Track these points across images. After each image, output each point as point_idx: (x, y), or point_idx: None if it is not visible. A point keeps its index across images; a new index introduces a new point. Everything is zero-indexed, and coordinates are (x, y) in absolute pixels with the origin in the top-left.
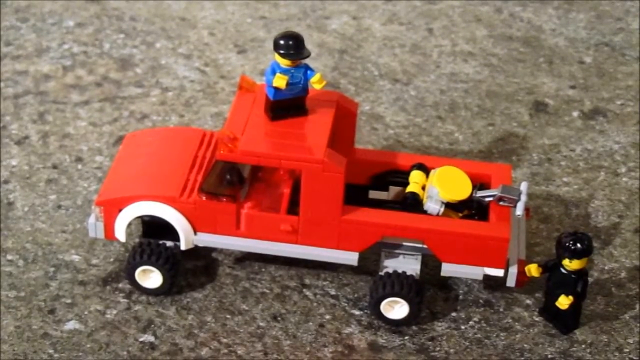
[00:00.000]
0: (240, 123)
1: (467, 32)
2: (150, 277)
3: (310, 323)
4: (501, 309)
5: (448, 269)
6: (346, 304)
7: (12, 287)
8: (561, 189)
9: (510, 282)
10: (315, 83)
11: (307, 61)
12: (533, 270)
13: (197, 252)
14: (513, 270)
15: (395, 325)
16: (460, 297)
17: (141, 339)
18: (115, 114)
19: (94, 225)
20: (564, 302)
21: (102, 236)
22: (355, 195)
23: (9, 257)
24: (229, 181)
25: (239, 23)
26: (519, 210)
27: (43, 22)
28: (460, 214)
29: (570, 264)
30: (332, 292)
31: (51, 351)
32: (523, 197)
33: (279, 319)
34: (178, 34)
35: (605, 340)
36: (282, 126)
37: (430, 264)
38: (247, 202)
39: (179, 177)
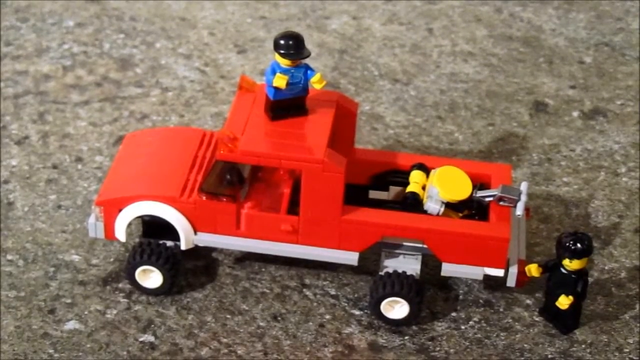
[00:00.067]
0: (240, 123)
1: (467, 32)
2: (151, 277)
3: (310, 323)
4: (501, 309)
5: (448, 269)
6: (346, 304)
7: (12, 287)
8: (561, 189)
9: (510, 282)
10: (316, 83)
11: (307, 61)
12: (533, 270)
13: (197, 252)
14: (513, 270)
15: (396, 325)
16: (460, 297)
17: (141, 339)
18: (115, 114)
19: (94, 225)
20: (564, 302)
21: (102, 236)
22: (355, 195)
23: (9, 257)
24: (229, 181)
25: (239, 23)
26: (519, 210)
27: (43, 22)
28: (460, 214)
29: (571, 264)
30: (332, 292)
31: (51, 351)
32: (523, 197)
33: (279, 319)
34: (178, 34)
35: (605, 340)
36: (282, 126)
37: (430, 264)
38: (247, 202)
39: (179, 177)
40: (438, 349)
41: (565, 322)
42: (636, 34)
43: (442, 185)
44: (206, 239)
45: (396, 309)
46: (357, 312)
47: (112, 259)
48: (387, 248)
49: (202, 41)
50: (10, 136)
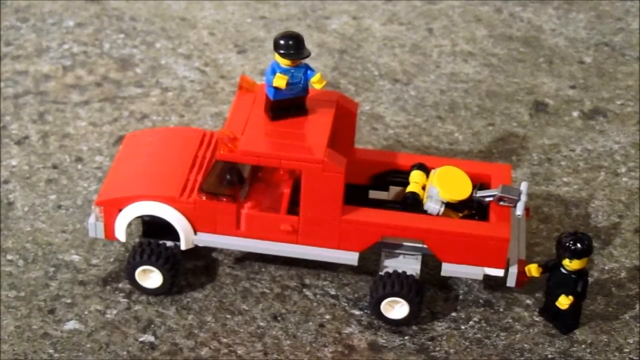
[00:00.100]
0: (240, 123)
1: (467, 32)
2: (150, 277)
3: (310, 323)
4: (501, 309)
5: (448, 269)
6: (346, 304)
7: (12, 287)
8: (561, 189)
9: (510, 282)
10: (315, 83)
11: (307, 61)
12: (533, 270)
13: (197, 252)
14: (513, 270)
15: (395, 325)
16: (460, 297)
17: (141, 339)
18: (115, 114)
19: (94, 225)
20: (564, 302)
21: (102, 236)
22: (355, 195)
23: (9, 257)
24: (229, 181)
25: (239, 23)
26: (519, 210)
27: (43, 22)
28: (460, 214)
29: (571, 264)
30: (332, 292)
31: (51, 351)
32: (523, 197)
33: (279, 319)
34: (178, 34)
35: (605, 340)
36: (282, 126)
37: (430, 264)
38: (247, 202)
39: (179, 177)
40: (438, 349)
41: (565, 322)
42: (636, 34)
43: (442, 185)
44: (206, 239)
45: (396, 309)
46: (357, 312)
47: (112, 259)
48: (387, 248)
49: (202, 41)
50: (10, 136)
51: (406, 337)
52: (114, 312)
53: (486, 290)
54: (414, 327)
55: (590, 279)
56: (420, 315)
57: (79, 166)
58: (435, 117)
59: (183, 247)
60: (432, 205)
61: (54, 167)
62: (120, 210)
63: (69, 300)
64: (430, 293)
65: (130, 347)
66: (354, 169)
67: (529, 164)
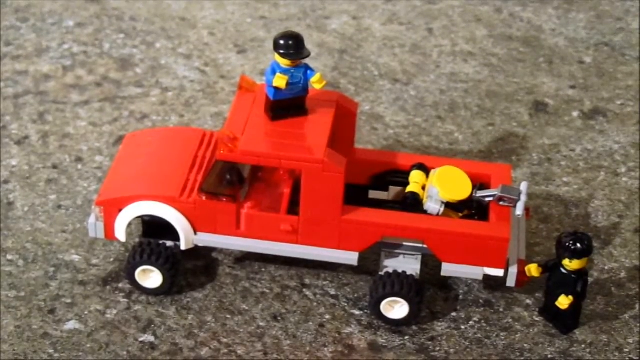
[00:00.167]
0: (240, 123)
1: (467, 32)
2: (150, 277)
3: (310, 323)
4: (501, 309)
5: (448, 269)
6: (346, 304)
7: (12, 287)
8: (561, 189)
9: (510, 282)
10: (315, 83)
11: (307, 61)
12: (533, 270)
13: (197, 252)
14: (513, 270)
15: (395, 325)
16: (460, 297)
17: (141, 339)
18: (115, 114)
19: (94, 225)
20: (564, 302)
21: (102, 236)
22: (355, 195)
23: (9, 257)
24: (229, 181)
25: (239, 23)
26: (519, 210)
27: (43, 22)
28: (460, 214)
29: (570, 264)
30: (332, 292)
31: (51, 351)
32: (523, 197)
33: (279, 318)
34: (178, 34)
35: (605, 340)
36: (282, 126)
37: (430, 264)
38: (247, 202)
39: (179, 177)
40: (438, 349)
41: (565, 322)
42: (636, 34)
43: (442, 185)
44: (206, 239)
45: (396, 309)
46: (357, 312)
47: (112, 259)
48: (387, 248)
49: (202, 41)
50: (10, 136)
51: (406, 337)
52: (114, 312)
53: (486, 290)
54: (414, 327)
55: (590, 279)
56: (420, 315)
57: (79, 166)
58: (435, 117)
59: (183, 247)
60: (432, 205)
61: (54, 167)
62: (120, 210)
63: (69, 300)
64: (430, 293)
65: (130, 347)
66: (354, 169)
67: (529, 164)
